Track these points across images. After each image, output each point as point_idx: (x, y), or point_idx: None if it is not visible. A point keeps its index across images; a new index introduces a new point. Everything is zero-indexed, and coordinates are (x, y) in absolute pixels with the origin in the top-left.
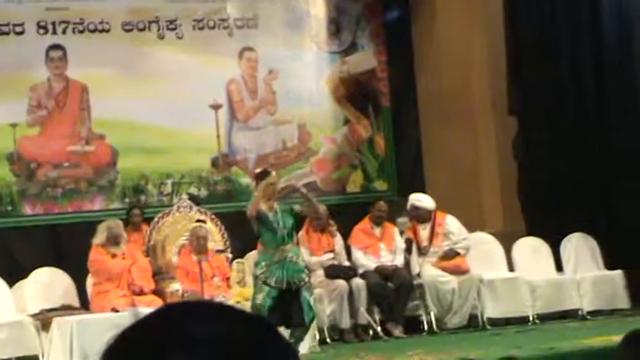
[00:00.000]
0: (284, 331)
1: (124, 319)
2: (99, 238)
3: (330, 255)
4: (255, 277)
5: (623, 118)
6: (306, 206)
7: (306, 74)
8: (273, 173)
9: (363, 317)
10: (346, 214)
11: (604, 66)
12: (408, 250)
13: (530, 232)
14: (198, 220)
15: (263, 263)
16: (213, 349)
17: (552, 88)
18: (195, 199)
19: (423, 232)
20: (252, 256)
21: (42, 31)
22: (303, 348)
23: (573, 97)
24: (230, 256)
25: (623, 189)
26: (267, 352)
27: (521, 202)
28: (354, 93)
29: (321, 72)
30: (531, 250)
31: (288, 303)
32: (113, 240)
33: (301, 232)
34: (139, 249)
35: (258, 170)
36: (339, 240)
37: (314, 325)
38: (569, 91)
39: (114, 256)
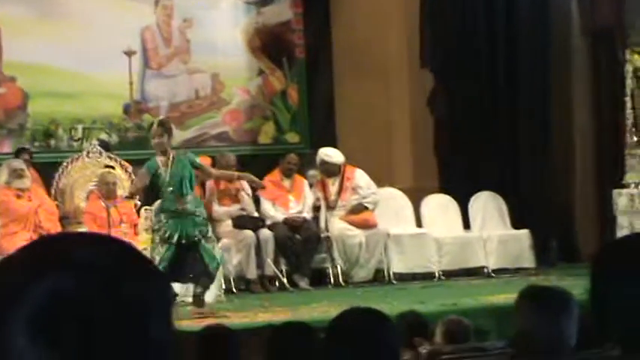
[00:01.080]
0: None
1: None
2: (2, 176)
3: (238, 206)
4: (154, 231)
5: (533, 75)
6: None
7: (221, 24)
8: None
9: (270, 268)
10: (257, 165)
11: (517, 19)
12: (316, 208)
13: (442, 190)
14: (107, 166)
15: (162, 215)
16: (82, 270)
17: (467, 42)
18: (105, 145)
19: (332, 186)
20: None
21: None
22: (209, 297)
23: (487, 53)
24: (138, 203)
25: (530, 148)
26: (139, 273)
27: (436, 158)
28: (269, 44)
29: (237, 22)
30: (440, 206)
31: (188, 256)
32: (15, 174)
33: (209, 182)
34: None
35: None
36: (247, 190)
37: (220, 275)
38: (482, 47)
39: (19, 196)
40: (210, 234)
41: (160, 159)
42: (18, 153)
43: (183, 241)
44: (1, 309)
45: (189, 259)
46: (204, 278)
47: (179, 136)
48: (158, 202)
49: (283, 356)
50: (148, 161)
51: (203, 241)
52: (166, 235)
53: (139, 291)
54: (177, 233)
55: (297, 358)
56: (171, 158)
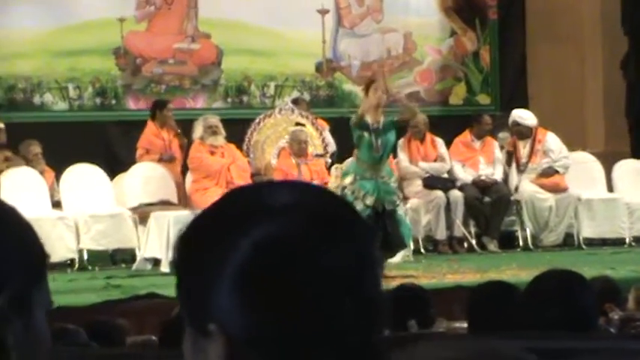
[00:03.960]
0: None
1: None
2: (197, 131)
3: (427, 165)
4: (343, 188)
5: None
6: (406, 113)
7: None
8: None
9: (459, 229)
10: (447, 126)
11: None
12: (507, 163)
13: (634, 155)
14: (298, 124)
15: (353, 174)
16: (291, 215)
17: None
18: (302, 102)
19: (523, 148)
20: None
21: None
22: (397, 257)
23: None
24: (329, 161)
25: None
26: (351, 225)
27: (628, 123)
28: (462, 5)
29: None
30: (632, 171)
31: (385, 224)
32: (210, 130)
33: (401, 140)
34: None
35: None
36: (439, 149)
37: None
38: None
39: (213, 153)
40: (403, 204)
41: (369, 116)
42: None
43: (379, 209)
44: (206, 264)
45: (386, 227)
46: (398, 249)
47: None
48: (349, 161)
49: (485, 314)
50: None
51: (398, 210)
52: (361, 194)
53: (353, 239)
54: (374, 196)
55: (499, 317)
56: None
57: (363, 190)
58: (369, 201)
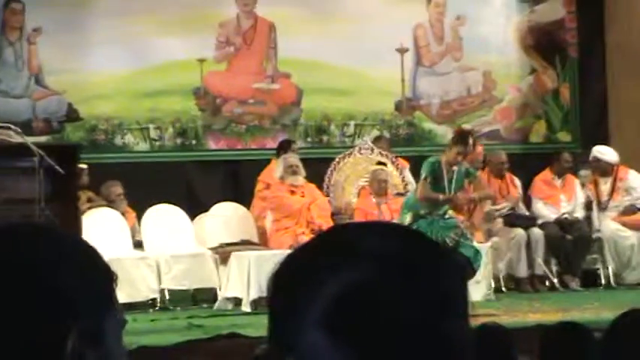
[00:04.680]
0: None
1: None
2: (277, 171)
3: (507, 204)
4: None
5: None
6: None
7: (493, 21)
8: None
9: (540, 267)
10: (527, 164)
11: None
12: (587, 208)
13: None
14: (379, 163)
15: (410, 213)
16: (383, 264)
17: None
18: (384, 140)
19: (604, 185)
20: None
21: None
22: (478, 295)
23: None
24: None
25: None
26: (436, 269)
27: None
28: (542, 42)
29: (509, 20)
30: None
31: None
32: (290, 170)
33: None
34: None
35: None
36: (518, 188)
37: (489, 273)
38: None
39: (293, 192)
40: (468, 235)
41: (444, 161)
42: (284, 146)
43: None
44: (296, 301)
45: None
46: (469, 276)
47: (450, 133)
48: (408, 195)
49: (557, 356)
50: (429, 161)
51: (461, 241)
52: None
53: (437, 283)
54: (431, 236)
55: (572, 359)
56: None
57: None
58: None
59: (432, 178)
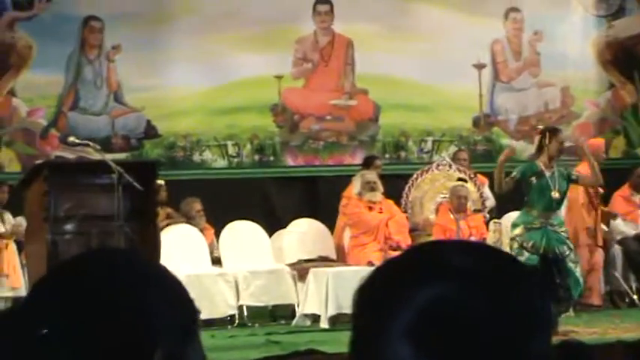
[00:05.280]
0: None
1: None
2: (355, 187)
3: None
4: (512, 239)
5: None
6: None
7: (571, 37)
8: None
9: (620, 283)
10: (606, 179)
11: None
12: None
13: None
14: (459, 179)
15: (522, 225)
16: (466, 279)
17: None
18: (463, 155)
19: None
20: (510, 217)
21: None
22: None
23: None
24: (487, 216)
25: None
26: (523, 287)
27: None
28: (620, 58)
29: (587, 35)
30: None
31: (551, 274)
32: (368, 186)
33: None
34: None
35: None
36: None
37: None
38: None
39: (371, 208)
40: (574, 254)
41: (542, 163)
42: (368, 162)
43: (550, 255)
44: (382, 315)
45: (553, 277)
46: (564, 303)
47: (528, 150)
48: (509, 214)
49: None
50: (526, 164)
51: (568, 261)
52: (529, 244)
53: (524, 302)
54: (542, 244)
55: None
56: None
57: (531, 240)
58: (537, 249)
59: (533, 180)
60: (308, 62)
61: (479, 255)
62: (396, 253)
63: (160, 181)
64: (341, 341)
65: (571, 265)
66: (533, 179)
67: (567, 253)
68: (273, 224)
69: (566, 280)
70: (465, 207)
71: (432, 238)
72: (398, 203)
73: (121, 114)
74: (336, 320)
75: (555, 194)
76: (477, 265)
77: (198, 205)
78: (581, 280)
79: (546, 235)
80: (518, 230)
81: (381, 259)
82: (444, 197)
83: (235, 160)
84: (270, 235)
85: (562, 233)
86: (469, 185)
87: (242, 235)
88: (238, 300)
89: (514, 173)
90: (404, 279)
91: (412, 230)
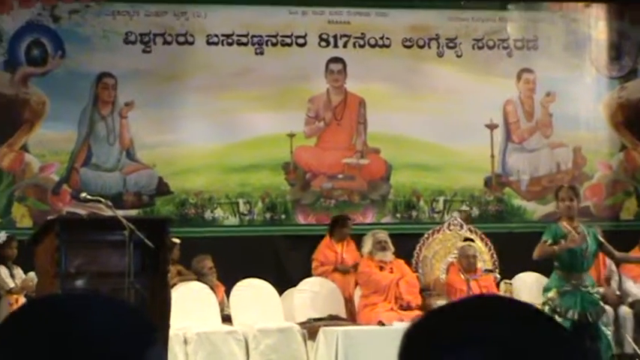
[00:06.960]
0: None
1: (390, 332)
2: (366, 246)
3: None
4: (544, 303)
5: None
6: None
7: (583, 98)
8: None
9: (630, 346)
10: (618, 242)
11: None
12: None
13: None
14: (466, 239)
15: (555, 289)
16: (487, 350)
17: None
18: (463, 215)
19: None
20: (521, 277)
21: (323, 43)
22: None
23: None
24: (498, 276)
25: None
26: (559, 354)
27: None
28: (632, 119)
29: (599, 96)
30: None
31: (583, 338)
32: (379, 246)
33: None
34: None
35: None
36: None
37: None
38: None
39: (382, 268)
40: (606, 317)
41: (565, 225)
42: (339, 221)
43: (577, 318)
44: None
45: (585, 343)
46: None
47: (539, 210)
48: (521, 274)
49: None
50: (551, 227)
51: (600, 325)
52: (563, 309)
53: None
54: (577, 309)
55: None
56: (577, 227)
57: (565, 305)
58: (572, 315)
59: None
60: (320, 121)
61: (517, 318)
62: (406, 313)
63: (176, 240)
64: None
65: (603, 328)
66: (562, 242)
67: (600, 315)
68: (283, 282)
69: (597, 343)
70: (475, 266)
71: (442, 299)
72: (409, 263)
73: (133, 170)
74: None
75: (586, 254)
76: (516, 331)
77: (209, 263)
78: (612, 344)
79: (580, 299)
80: (551, 294)
81: (391, 319)
82: (454, 257)
83: (247, 217)
84: (281, 293)
85: (595, 295)
86: (479, 244)
87: (253, 293)
88: (248, 358)
89: (544, 238)
90: (431, 340)
91: (423, 290)
